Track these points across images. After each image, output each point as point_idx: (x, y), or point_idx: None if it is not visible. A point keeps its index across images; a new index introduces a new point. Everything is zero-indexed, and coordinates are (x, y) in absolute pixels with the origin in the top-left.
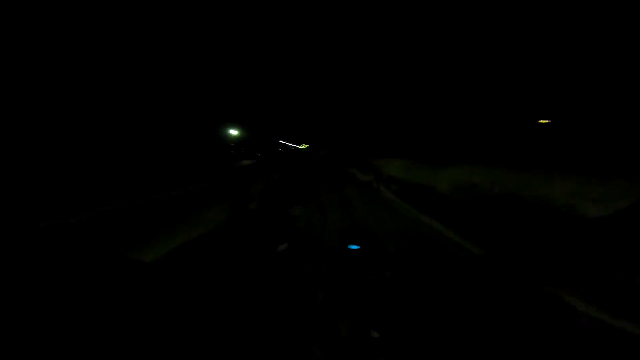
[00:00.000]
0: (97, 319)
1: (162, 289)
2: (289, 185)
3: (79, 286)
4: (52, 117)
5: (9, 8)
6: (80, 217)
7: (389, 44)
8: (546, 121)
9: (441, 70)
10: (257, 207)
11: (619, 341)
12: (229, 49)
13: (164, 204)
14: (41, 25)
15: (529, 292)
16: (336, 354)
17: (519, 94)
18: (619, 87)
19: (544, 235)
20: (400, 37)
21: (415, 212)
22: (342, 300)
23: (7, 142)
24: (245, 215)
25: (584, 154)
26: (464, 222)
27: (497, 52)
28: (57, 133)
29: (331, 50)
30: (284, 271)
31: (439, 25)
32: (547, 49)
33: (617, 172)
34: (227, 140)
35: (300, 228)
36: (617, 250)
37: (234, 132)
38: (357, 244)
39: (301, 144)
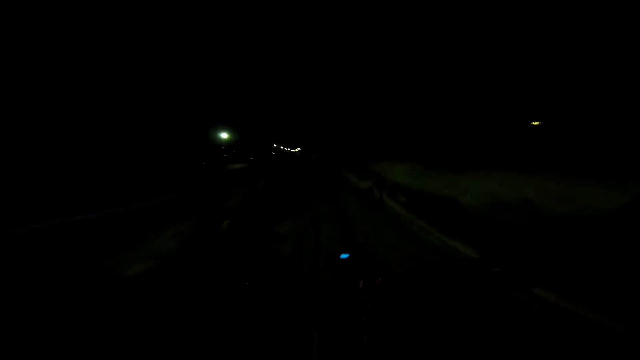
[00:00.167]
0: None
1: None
2: (275, 194)
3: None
4: (21, 121)
5: (9, 8)
6: (46, 226)
7: (385, 38)
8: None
9: (450, 59)
10: (231, 226)
11: (607, 339)
12: (222, 50)
13: (114, 222)
14: (29, 31)
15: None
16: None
17: (542, 86)
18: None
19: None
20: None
21: (435, 232)
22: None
23: None
24: (210, 239)
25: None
26: (509, 252)
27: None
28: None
29: (325, 47)
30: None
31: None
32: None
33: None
34: (218, 143)
35: (284, 256)
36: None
37: (225, 134)
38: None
39: (295, 148)
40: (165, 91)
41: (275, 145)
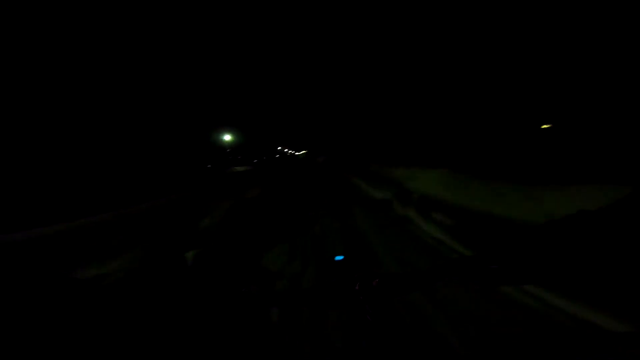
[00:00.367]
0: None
1: None
2: (270, 206)
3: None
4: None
5: (9, 8)
6: (28, 234)
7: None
8: None
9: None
10: (197, 259)
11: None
12: (227, 52)
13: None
14: (28, 32)
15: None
16: None
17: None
18: None
19: None
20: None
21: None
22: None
23: None
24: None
25: None
26: (506, 249)
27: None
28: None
29: (333, 45)
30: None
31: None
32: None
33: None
34: (222, 145)
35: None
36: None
37: (228, 137)
38: (342, 255)
39: (300, 151)
40: (172, 93)
41: (280, 147)
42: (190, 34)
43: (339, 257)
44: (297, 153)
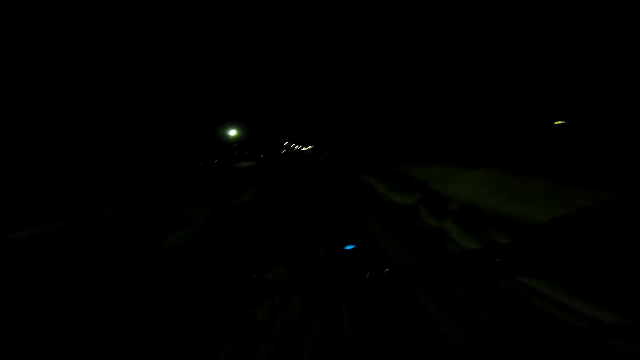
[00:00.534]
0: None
1: None
2: (263, 214)
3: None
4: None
5: (9, 8)
6: (50, 229)
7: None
8: None
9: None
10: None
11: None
12: (235, 47)
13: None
14: (33, 31)
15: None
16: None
17: None
18: None
19: None
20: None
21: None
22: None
23: None
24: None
25: None
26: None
27: None
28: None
29: (339, 37)
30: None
31: None
32: None
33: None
34: (228, 140)
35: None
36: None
37: (234, 132)
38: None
39: (307, 146)
40: (178, 89)
41: (286, 142)
42: (197, 29)
43: (349, 247)
44: (304, 148)
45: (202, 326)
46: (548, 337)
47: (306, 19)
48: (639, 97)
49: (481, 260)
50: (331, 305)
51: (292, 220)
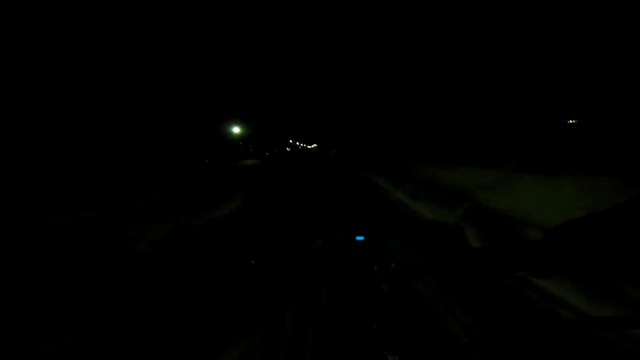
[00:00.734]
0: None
1: None
2: (241, 242)
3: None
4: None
5: (9, 8)
6: (75, 217)
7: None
8: None
9: None
10: None
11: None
12: (240, 45)
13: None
14: (34, 29)
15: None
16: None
17: None
18: None
19: None
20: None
21: None
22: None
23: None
24: None
25: None
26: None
27: None
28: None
29: (345, 34)
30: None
31: None
32: None
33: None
34: (232, 138)
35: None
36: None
37: (237, 129)
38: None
39: (312, 144)
40: (182, 87)
41: (291, 140)
42: (201, 28)
43: (359, 237)
44: (308, 146)
45: (204, 323)
46: (552, 335)
47: (313, 17)
48: None
49: (489, 259)
50: (340, 295)
51: (282, 249)
